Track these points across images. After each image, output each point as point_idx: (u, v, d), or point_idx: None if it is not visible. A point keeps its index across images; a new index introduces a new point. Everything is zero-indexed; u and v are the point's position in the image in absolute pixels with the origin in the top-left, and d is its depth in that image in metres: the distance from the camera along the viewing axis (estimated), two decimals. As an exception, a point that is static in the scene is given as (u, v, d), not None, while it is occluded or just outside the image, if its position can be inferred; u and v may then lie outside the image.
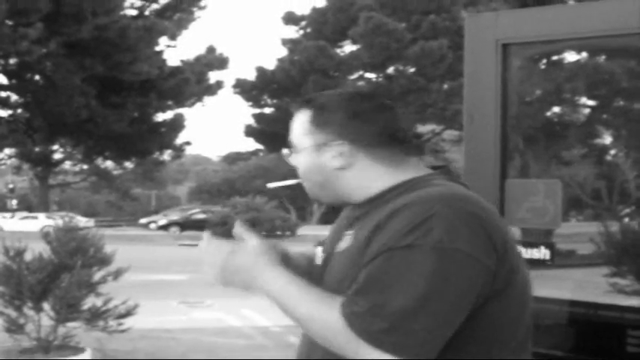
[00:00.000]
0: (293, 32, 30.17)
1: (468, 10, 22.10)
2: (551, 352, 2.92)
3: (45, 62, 23.45)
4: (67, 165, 61.66)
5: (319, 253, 2.41)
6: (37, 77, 26.19)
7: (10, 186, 63.07)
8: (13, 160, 56.57)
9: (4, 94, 27.41)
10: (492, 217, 1.98)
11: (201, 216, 52.58)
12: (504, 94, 2.85)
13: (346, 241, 2.15)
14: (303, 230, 46.82)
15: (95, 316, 7.36)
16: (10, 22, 20.81)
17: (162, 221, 54.84)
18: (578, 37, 2.88)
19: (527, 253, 2.90)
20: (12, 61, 24.61)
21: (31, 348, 7.28)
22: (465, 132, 2.96)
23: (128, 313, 7.69)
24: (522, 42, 2.86)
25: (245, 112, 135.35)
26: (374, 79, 28.38)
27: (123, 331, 7.68)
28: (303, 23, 29.90)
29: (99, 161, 51.02)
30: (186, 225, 51.57)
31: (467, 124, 2.96)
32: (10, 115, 27.94)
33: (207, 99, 31.58)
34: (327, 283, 2.14)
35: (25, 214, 56.90)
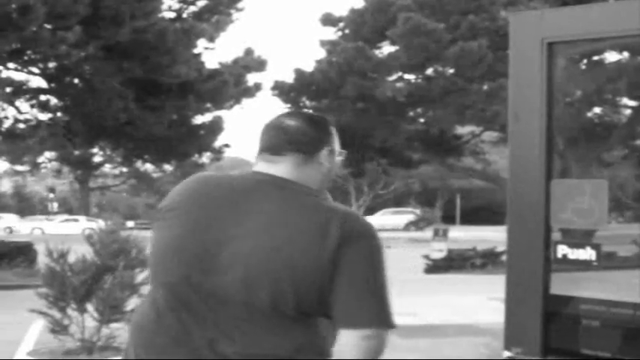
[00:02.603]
0: (331, 34, 30.13)
1: (507, 10, 21.93)
2: (599, 354, 2.91)
3: (84, 66, 23.56)
4: (106, 168, 62.06)
5: None
6: (76, 81, 26.29)
7: (51, 190, 63.64)
8: (54, 163, 57.07)
9: (43, 97, 27.53)
10: None
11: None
12: (550, 94, 2.84)
13: None
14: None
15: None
16: (48, 26, 20.92)
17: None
18: (624, 35, 2.86)
19: (573, 254, 2.89)
20: (51, 64, 24.74)
21: (75, 349, 7.34)
22: (510, 132, 2.95)
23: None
24: (568, 40, 2.85)
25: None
26: (413, 81, 28.23)
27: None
28: (342, 24, 29.82)
29: (138, 164, 51.26)
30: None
31: (512, 123, 2.95)
32: (50, 119, 28.04)
33: (245, 101, 31.56)
34: None
35: (65, 216, 57.42)
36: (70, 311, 7.32)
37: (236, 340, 2.54)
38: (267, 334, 2.55)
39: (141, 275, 7.75)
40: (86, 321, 7.35)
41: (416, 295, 17.05)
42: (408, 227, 55.47)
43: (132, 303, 7.44)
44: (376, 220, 54.99)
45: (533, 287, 2.82)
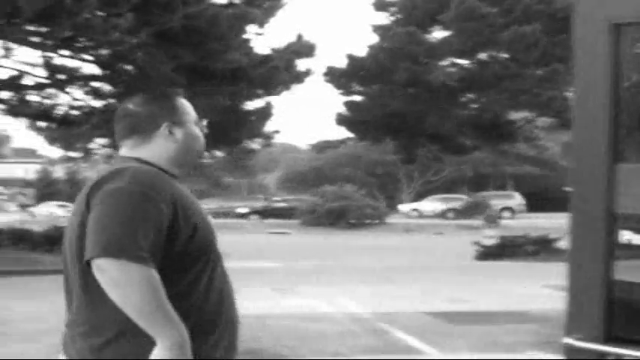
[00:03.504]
0: (384, 18, 29.99)
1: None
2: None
3: (136, 52, 23.65)
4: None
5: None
6: (128, 67, 26.42)
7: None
8: (106, 149, 57.57)
9: (96, 84, 27.72)
10: None
11: (282, 204, 52.91)
12: (615, 77, 2.79)
13: None
14: (392, 218, 46.75)
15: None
16: (101, 13, 21.04)
17: (243, 209, 55.28)
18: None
19: (638, 239, 2.85)
20: (104, 51, 24.87)
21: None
22: (574, 116, 2.90)
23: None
24: (635, 22, 2.79)
25: (335, 100, 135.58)
26: (465, 66, 28.00)
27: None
28: (394, 9, 29.66)
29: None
30: (266, 213, 51.92)
31: (576, 107, 2.91)
32: (104, 105, 28.27)
33: (295, 87, 31.54)
34: None
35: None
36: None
37: None
38: None
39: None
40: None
41: (468, 282, 17.02)
42: (445, 214, 55.04)
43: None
44: (423, 206, 54.82)
45: (596, 273, 2.78)
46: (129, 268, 2.52)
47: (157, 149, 2.90)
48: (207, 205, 48.53)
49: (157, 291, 2.55)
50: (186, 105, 3.02)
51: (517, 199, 55.74)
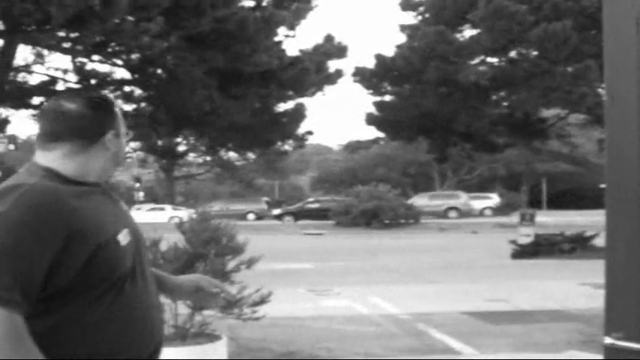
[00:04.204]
0: (411, 18, 29.96)
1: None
2: None
3: (166, 56, 23.75)
4: (191, 157, 62.79)
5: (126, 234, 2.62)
6: (159, 71, 26.53)
7: (137, 179, 64.45)
8: (139, 153, 57.86)
9: (127, 88, 27.88)
10: None
11: (315, 205, 52.89)
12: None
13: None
14: (426, 218, 46.63)
15: (230, 304, 7.43)
16: (131, 18, 21.13)
17: (277, 211, 55.35)
18: None
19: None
20: (134, 56, 24.99)
21: (168, 336, 7.40)
22: (607, 112, 2.87)
23: (262, 301, 7.75)
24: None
25: (365, 101, 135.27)
26: (496, 64, 27.88)
27: (257, 318, 7.75)
28: (422, 8, 29.61)
29: (222, 152, 51.74)
30: (300, 214, 51.93)
31: (608, 105, 2.87)
32: (135, 109, 28.40)
33: (327, 88, 31.60)
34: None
35: (151, 205, 58.19)
36: (163, 298, 7.40)
37: None
38: None
39: (232, 263, 7.80)
40: (179, 308, 7.41)
41: (504, 281, 16.92)
42: (482, 212, 54.76)
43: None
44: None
45: (635, 271, 2.74)
46: None
47: (93, 159, 2.65)
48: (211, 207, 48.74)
49: (17, 341, 2.30)
50: (119, 113, 2.76)
51: (463, 199, 55.43)
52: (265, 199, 61.37)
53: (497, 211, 53.76)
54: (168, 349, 7.13)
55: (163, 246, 7.70)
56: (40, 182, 2.49)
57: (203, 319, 7.55)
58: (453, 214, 52.26)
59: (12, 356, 2.28)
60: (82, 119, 2.63)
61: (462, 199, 55.14)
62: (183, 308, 7.39)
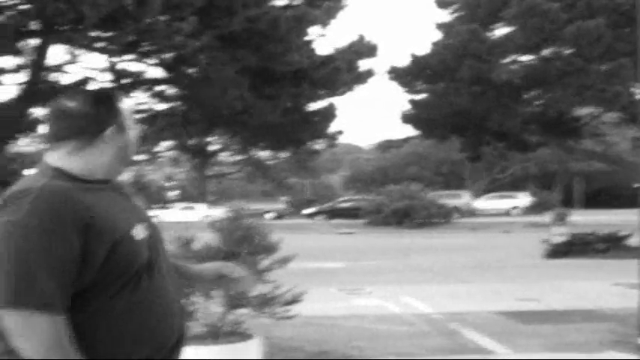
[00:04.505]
0: (446, 16, 29.85)
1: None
2: None
3: (199, 55, 23.79)
4: (223, 156, 62.99)
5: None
6: (191, 70, 26.59)
7: (169, 178, 64.76)
8: (171, 152, 58.11)
9: (160, 88, 27.95)
10: None
11: (347, 205, 52.90)
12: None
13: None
14: (457, 218, 46.53)
15: (263, 303, 7.43)
16: (164, 17, 21.18)
17: (309, 210, 55.38)
18: None
19: None
20: (167, 55, 25.05)
21: (201, 334, 7.41)
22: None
23: (295, 300, 7.75)
24: None
25: (398, 99, 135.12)
26: (529, 62, 27.72)
27: (290, 317, 7.74)
28: (456, 6, 29.50)
29: (254, 152, 51.87)
30: (332, 213, 51.95)
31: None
32: (167, 109, 28.51)
33: (357, 87, 31.57)
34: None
35: (184, 204, 58.46)
36: (195, 297, 7.40)
37: None
38: None
39: (265, 261, 7.80)
40: (211, 307, 7.41)
41: (537, 281, 16.85)
42: (509, 212, 54.37)
43: (257, 289, 7.50)
44: (481, 204, 54.38)
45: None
46: (30, 320, 2.36)
47: (96, 155, 2.67)
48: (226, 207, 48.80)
49: (61, 342, 2.38)
50: (127, 107, 2.80)
51: (465, 198, 55.10)
52: (284, 198, 61.43)
53: (529, 210, 53.45)
54: (201, 347, 7.16)
55: (196, 245, 7.72)
56: (49, 183, 2.53)
57: (236, 318, 7.55)
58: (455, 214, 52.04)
59: (56, 354, 2.36)
60: (81, 116, 2.66)
61: (464, 198, 54.99)
62: (215, 307, 7.40)
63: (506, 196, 56.98)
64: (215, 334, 7.42)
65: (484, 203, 55.28)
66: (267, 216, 53.19)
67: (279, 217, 54.19)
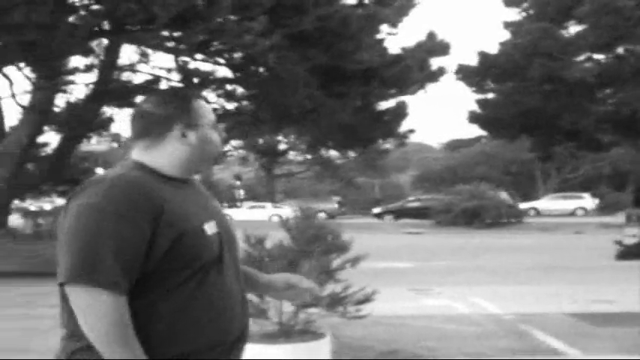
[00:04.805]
0: (515, 14, 29.66)
1: None
2: None
3: (269, 55, 23.86)
4: (291, 155, 63.18)
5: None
6: (261, 70, 26.69)
7: (237, 177, 65.15)
8: (240, 151, 58.46)
9: (229, 87, 28.10)
10: None
11: (416, 204, 52.64)
12: None
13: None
14: (529, 217, 46.06)
15: (335, 302, 7.45)
16: (234, 17, 21.29)
17: (377, 209, 55.26)
18: None
19: None
20: (236, 55, 25.17)
21: (273, 333, 7.45)
22: None
23: (366, 300, 7.74)
24: None
25: (467, 98, 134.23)
26: (602, 61, 27.38)
27: (361, 317, 7.74)
28: (525, 5, 29.27)
29: (323, 151, 51.97)
30: (400, 213, 51.76)
31: None
32: (236, 108, 28.66)
33: (429, 86, 31.45)
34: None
35: (252, 203, 58.75)
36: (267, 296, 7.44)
37: None
38: None
39: (337, 261, 7.80)
40: (284, 305, 7.45)
41: (609, 282, 16.60)
42: (574, 212, 53.54)
43: (328, 288, 7.51)
44: (544, 204, 53.68)
45: None
46: (94, 296, 2.47)
47: (167, 152, 2.79)
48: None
49: (121, 321, 2.48)
50: (203, 107, 2.89)
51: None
52: (336, 198, 61.31)
53: (596, 211, 52.61)
54: (273, 346, 7.20)
55: (268, 243, 7.76)
56: (126, 172, 2.71)
57: (307, 317, 7.57)
58: None
59: (119, 344, 2.47)
60: (149, 116, 2.82)
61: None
62: (288, 306, 7.43)
63: (571, 196, 56.14)
64: (287, 333, 7.46)
65: (547, 204, 54.55)
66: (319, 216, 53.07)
67: (331, 217, 54.20)
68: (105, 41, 23.79)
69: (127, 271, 2.51)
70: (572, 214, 52.35)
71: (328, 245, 7.71)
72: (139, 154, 2.81)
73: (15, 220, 24.69)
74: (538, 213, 50.43)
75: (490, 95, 31.52)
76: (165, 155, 2.79)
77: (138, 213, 2.54)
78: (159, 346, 2.57)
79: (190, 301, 2.62)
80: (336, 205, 57.44)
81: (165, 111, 2.81)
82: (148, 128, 2.81)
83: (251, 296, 7.70)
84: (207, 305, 2.66)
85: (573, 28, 27.53)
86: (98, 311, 2.46)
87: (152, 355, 2.53)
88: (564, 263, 21.57)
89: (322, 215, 53.87)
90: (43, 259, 17.02)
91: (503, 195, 50.29)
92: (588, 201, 55.53)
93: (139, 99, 27.26)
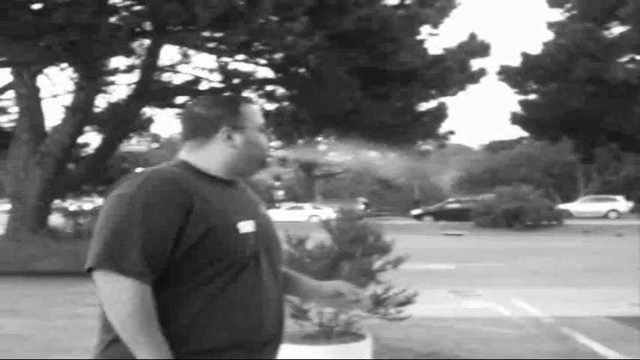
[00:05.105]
0: (558, 15, 29.49)
1: None
2: None
3: (309, 55, 23.90)
4: (331, 156, 63.18)
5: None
6: (302, 70, 26.72)
7: (277, 178, 65.25)
8: (279, 152, 58.55)
9: (270, 88, 28.18)
10: None
11: (456, 206, 52.42)
12: None
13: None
14: (568, 220, 45.72)
15: (376, 304, 7.42)
16: (275, 18, 21.33)
17: (416, 211, 55.07)
18: None
19: None
20: (277, 55, 25.23)
21: (313, 334, 7.44)
22: None
23: (408, 301, 7.71)
24: None
25: (507, 100, 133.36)
26: (646, 61, 27.15)
27: (402, 319, 7.71)
28: (569, 5, 29.09)
29: (363, 151, 51.91)
30: (440, 215, 51.56)
31: None
32: (277, 109, 28.73)
33: (469, 87, 31.31)
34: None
35: (291, 204, 58.81)
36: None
37: None
38: None
39: (378, 262, 7.78)
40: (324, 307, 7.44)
41: (652, 286, 16.43)
42: (607, 214, 52.94)
43: (369, 290, 7.49)
44: (576, 207, 53.15)
45: None
46: (117, 282, 2.53)
47: (212, 154, 2.85)
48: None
49: (143, 309, 2.52)
50: (251, 110, 2.94)
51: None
52: (362, 199, 61.17)
53: (633, 213, 52.03)
54: (313, 347, 7.18)
55: (309, 244, 7.75)
56: (164, 168, 2.80)
57: (349, 318, 7.55)
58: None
59: (140, 332, 2.52)
60: (197, 117, 2.90)
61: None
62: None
63: (604, 199, 55.57)
64: (327, 334, 7.44)
65: (580, 206, 54.05)
66: None
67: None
68: (146, 42, 23.91)
69: (152, 260, 2.57)
70: (605, 216, 51.86)
71: (370, 246, 7.69)
72: (186, 154, 2.88)
73: (55, 219, 24.89)
74: (570, 215, 50.02)
75: (532, 96, 31.36)
76: (211, 156, 2.85)
77: (167, 203, 2.61)
78: (181, 340, 2.60)
79: (217, 299, 2.65)
80: (362, 207, 57.40)
81: (213, 113, 2.88)
82: (196, 129, 2.88)
83: (293, 297, 7.73)
84: (236, 304, 2.68)
85: (617, 29, 27.36)
86: (120, 298, 2.52)
87: (174, 348, 2.57)
88: (606, 266, 21.39)
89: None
90: (84, 258, 17.16)
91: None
92: (622, 203, 54.92)
93: (179, 100, 27.47)
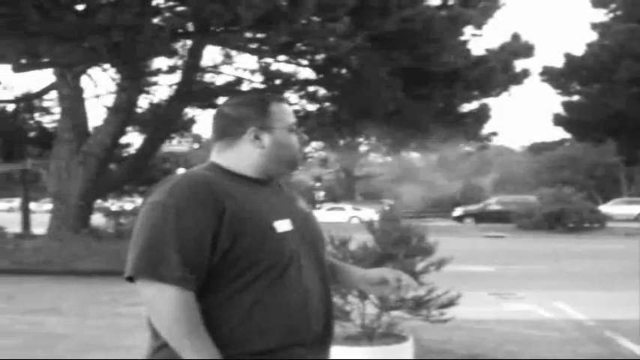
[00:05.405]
0: (602, 15, 29.25)
1: None
2: None
3: (351, 56, 23.90)
4: (372, 157, 63.12)
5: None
6: (343, 71, 26.72)
7: (317, 179, 65.30)
8: (320, 152, 58.58)
9: (311, 88, 28.20)
10: None
11: (497, 207, 52.07)
12: None
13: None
14: (610, 222, 45.30)
15: (418, 306, 7.44)
16: (317, 19, 21.35)
17: (457, 212, 54.83)
18: None
19: None
20: (319, 56, 25.25)
21: (355, 335, 7.46)
22: None
23: (450, 303, 7.71)
24: None
25: (552, 101, 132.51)
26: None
27: (445, 320, 7.72)
28: (613, 5, 28.85)
29: (404, 153, 51.80)
30: (481, 216, 51.26)
31: None
32: (318, 109, 28.76)
33: (512, 88, 31.10)
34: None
35: (331, 205, 58.82)
36: (351, 298, 7.46)
37: None
38: None
39: (421, 264, 7.79)
40: (367, 308, 7.46)
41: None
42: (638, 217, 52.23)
43: (412, 291, 7.50)
44: (608, 209, 52.55)
45: None
46: (159, 290, 2.53)
47: (241, 154, 2.83)
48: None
49: (186, 315, 2.53)
50: (281, 110, 2.91)
51: None
52: (388, 201, 61.01)
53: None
54: (355, 348, 7.20)
55: (352, 245, 7.77)
56: (193, 170, 2.83)
57: (391, 320, 7.57)
58: None
59: (187, 336, 2.53)
60: (225, 118, 2.90)
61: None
62: (371, 308, 7.44)
63: (636, 201, 54.92)
64: (369, 335, 7.46)
65: (611, 208, 53.40)
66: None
67: None
68: (189, 43, 24.05)
69: (191, 264, 2.56)
70: (636, 219, 51.24)
71: (413, 248, 7.70)
72: (216, 155, 2.89)
73: (97, 219, 25.12)
74: (612, 218, 49.61)
75: (575, 97, 31.17)
76: (240, 157, 2.84)
77: (199, 207, 2.60)
78: (227, 346, 2.59)
79: (259, 303, 2.63)
80: (387, 208, 57.10)
81: (241, 113, 2.87)
82: (225, 130, 2.88)
83: (335, 298, 7.76)
84: (280, 306, 2.66)
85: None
86: (162, 305, 2.53)
87: (223, 352, 2.57)
88: (649, 269, 21.20)
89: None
90: (125, 258, 17.29)
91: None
92: None
93: (221, 100, 27.60)
